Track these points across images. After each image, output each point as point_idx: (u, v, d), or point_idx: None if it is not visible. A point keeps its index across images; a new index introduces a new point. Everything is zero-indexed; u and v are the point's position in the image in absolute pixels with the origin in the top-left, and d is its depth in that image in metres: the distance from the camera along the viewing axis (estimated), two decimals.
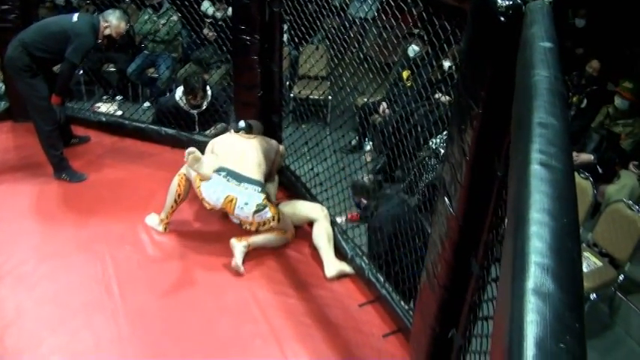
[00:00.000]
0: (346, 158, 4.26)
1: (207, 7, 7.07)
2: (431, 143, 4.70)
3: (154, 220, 4.04)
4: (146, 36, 6.87)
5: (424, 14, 3.13)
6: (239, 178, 3.68)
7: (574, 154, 4.85)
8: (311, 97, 6.02)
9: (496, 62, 1.99)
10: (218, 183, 3.66)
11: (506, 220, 1.95)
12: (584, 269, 4.20)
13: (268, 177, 4.11)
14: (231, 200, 3.64)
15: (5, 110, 5.45)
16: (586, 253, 4.42)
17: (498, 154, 2.08)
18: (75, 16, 4.34)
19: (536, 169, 1.04)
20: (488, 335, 2.21)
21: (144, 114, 5.76)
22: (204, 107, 5.29)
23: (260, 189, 3.71)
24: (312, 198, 4.26)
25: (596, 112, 5.98)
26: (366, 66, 4.54)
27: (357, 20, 6.45)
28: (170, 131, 5.25)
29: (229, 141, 4.02)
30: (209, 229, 4.10)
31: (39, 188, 4.42)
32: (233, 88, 4.92)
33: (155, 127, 5.33)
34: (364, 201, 3.92)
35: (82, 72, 6.56)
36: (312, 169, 4.43)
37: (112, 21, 4.41)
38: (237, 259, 3.64)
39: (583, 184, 4.69)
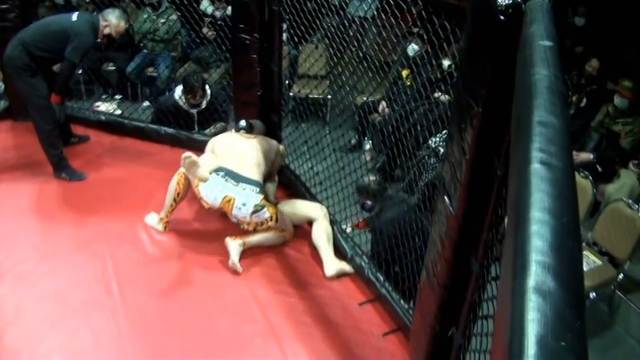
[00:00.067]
0: (346, 157, 4.26)
1: (206, 6, 7.07)
2: (430, 142, 4.70)
3: (153, 219, 4.04)
4: (145, 35, 6.87)
5: (423, 13, 3.13)
6: (237, 179, 3.68)
7: (574, 153, 4.85)
8: (310, 96, 6.02)
9: (496, 61, 1.99)
10: (216, 183, 3.66)
11: (506, 219, 1.96)
12: (584, 268, 4.20)
13: (268, 177, 4.11)
14: (229, 200, 3.64)
15: (5, 109, 5.45)
16: (586, 252, 4.42)
17: (498, 153, 2.08)
18: (74, 16, 4.34)
19: (536, 168, 1.04)
20: (488, 334, 2.22)
21: (143, 113, 5.75)
22: (203, 106, 5.29)
23: (258, 189, 3.71)
24: (312, 197, 4.26)
25: (596, 111, 5.98)
26: (365, 65, 4.54)
27: (356, 19, 6.45)
28: (169, 130, 5.25)
29: (229, 140, 4.02)
30: (208, 228, 4.10)
31: (38, 187, 4.42)
32: (232, 87, 4.92)
33: (154, 127, 5.32)
34: (369, 202, 3.89)
35: (81, 71, 6.55)
36: (311, 168, 4.43)
37: (112, 20, 4.41)
38: (234, 257, 3.64)
39: (583, 183, 4.69)
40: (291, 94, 6.74)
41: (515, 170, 1.14)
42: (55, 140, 4.49)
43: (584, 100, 6.13)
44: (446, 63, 5.40)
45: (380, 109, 6.10)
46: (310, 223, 3.99)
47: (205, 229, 4.10)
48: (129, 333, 3.13)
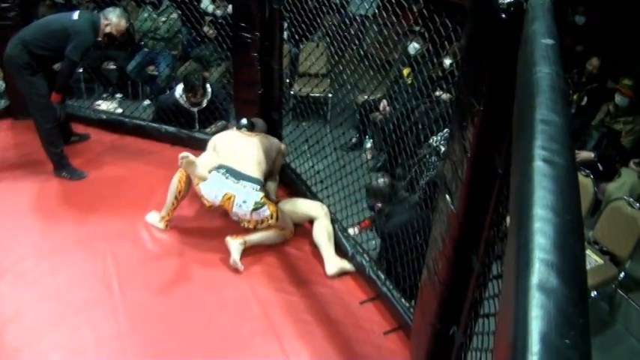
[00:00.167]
0: (346, 156, 4.25)
1: (207, 4, 7.07)
2: (431, 141, 4.69)
3: (154, 218, 4.04)
4: (146, 34, 6.87)
5: (424, 11, 3.13)
6: (238, 176, 3.68)
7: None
8: (311, 94, 6.02)
9: (497, 59, 1.99)
10: (216, 180, 3.67)
11: (507, 218, 1.96)
12: None
13: (269, 176, 4.11)
14: (230, 198, 3.64)
15: (5, 108, 5.45)
16: (587, 251, 4.41)
17: (499, 151, 2.07)
18: (75, 14, 4.34)
19: (539, 166, 1.04)
20: (490, 333, 2.21)
21: (144, 112, 5.75)
22: (204, 105, 5.29)
23: (259, 187, 3.71)
24: (313, 196, 4.26)
25: (597, 109, 5.99)
26: (366, 63, 4.54)
27: (357, 17, 6.44)
28: (170, 129, 5.25)
29: (230, 138, 4.02)
30: (209, 226, 4.10)
31: (39, 186, 4.42)
32: (233, 86, 4.92)
33: (155, 125, 5.32)
34: (379, 205, 3.84)
35: (81, 70, 6.56)
36: (312, 166, 4.43)
37: (113, 19, 4.41)
38: (234, 256, 3.64)
39: (584, 181, 4.69)
40: (291, 92, 6.74)
41: (518, 168, 1.14)
42: (55, 139, 4.49)
43: (585, 99, 6.14)
44: (447, 61, 5.40)
45: (381, 107, 6.10)
46: (311, 221, 3.99)
47: (206, 227, 4.09)
48: (129, 331, 3.13)
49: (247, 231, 3.82)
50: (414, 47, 5.98)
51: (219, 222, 4.12)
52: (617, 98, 5.64)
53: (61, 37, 4.21)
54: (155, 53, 6.90)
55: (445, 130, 4.47)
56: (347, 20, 6.18)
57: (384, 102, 6.08)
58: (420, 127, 4.47)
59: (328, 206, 4.06)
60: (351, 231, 4.05)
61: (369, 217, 4.14)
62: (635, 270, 4.57)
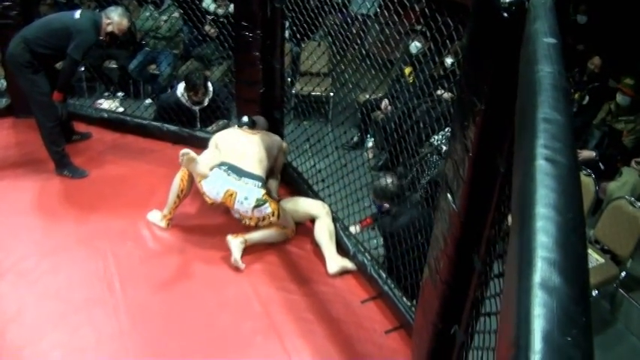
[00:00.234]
0: (348, 155, 4.26)
1: (208, 3, 7.06)
2: (433, 140, 4.69)
3: (156, 217, 4.04)
4: (147, 33, 6.87)
5: (426, 10, 3.13)
6: (240, 173, 3.69)
7: None
8: (313, 93, 6.02)
9: (499, 58, 1.98)
10: (218, 177, 3.67)
11: (508, 217, 1.96)
12: None
13: (270, 173, 4.11)
14: (231, 195, 3.64)
15: (7, 106, 5.45)
16: (588, 250, 4.42)
17: (500, 150, 2.07)
18: (77, 13, 4.35)
19: (541, 165, 1.04)
20: (491, 331, 2.21)
21: (145, 110, 5.75)
22: (205, 104, 5.29)
23: (260, 184, 3.71)
24: (314, 194, 4.26)
25: (598, 108, 5.99)
26: (368, 62, 4.54)
27: (359, 17, 6.44)
28: (172, 128, 5.25)
29: (232, 136, 4.03)
30: (211, 224, 4.10)
31: (40, 184, 4.43)
32: (234, 85, 4.92)
33: (157, 124, 5.32)
34: (386, 205, 3.82)
35: (83, 68, 6.57)
36: (313, 165, 4.43)
37: (114, 18, 4.41)
38: (235, 254, 3.65)
39: (585, 180, 4.69)
40: (293, 91, 6.74)
41: (520, 167, 1.14)
42: (57, 137, 4.50)
43: (587, 98, 6.13)
44: (448, 60, 5.40)
45: (382, 106, 6.10)
46: (312, 220, 3.99)
47: (207, 225, 4.10)
48: (130, 330, 3.14)
49: (248, 229, 3.82)
50: (415, 46, 5.98)
51: (220, 220, 4.12)
52: (619, 97, 5.63)
53: (62, 35, 4.22)
54: (157, 52, 6.90)
55: (446, 129, 4.48)
56: (348, 19, 6.18)
57: (386, 101, 6.08)
58: (421, 126, 4.47)
59: (329, 205, 4.07)
60: (352, 229, 4.05)
61: (371, 215, 4.13)
62: (636, 269, 4.57)
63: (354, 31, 6.00)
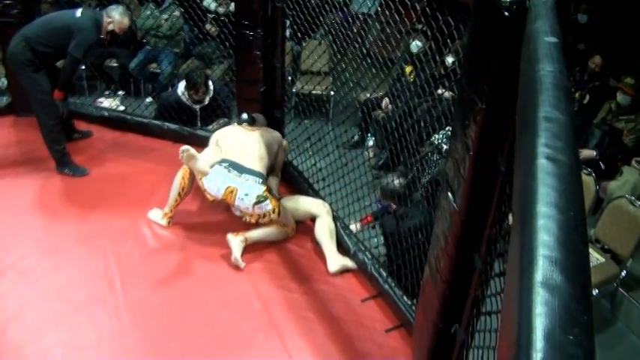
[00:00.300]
0: (349, 154, 4.26)
1: (209, 2, 7.06)
2: (433, 139, 4.69)
3: (156, 215, 4.04)
4: (148, 31, 6.87)
5: (427, 9, 3.13)
6: (240, 170, 3.70)
7: None
8: (313, 92, 6.02)
9: (500, 57, 1.99)
10: (219, 174, 3.68)
11: (509, 216, 1.96)
12: None
13: (271, 170, 4.12)
14: (232, 191, 3.65)
15: (7, 105, 5.46)
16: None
17: (501, 149, 2.07)
18: (78, 12, 4.35)
19: (542, 163, 1.04)
20: (491, 330, 2.21)
21: (146, 109, 5.75)
22: (206, 102, 5.29)
23: (261, 180, 3.72)
24: (315, 193, 4.26)
25: (599, 107, 5.98)
26: (368, 61, 4.54)
27: (359, 15, 6.44)
28: (172, 126, 5.25)
29: (232, 133, 4.03)
30: (211, 223, 4.10)
31: (41, 183, 4.43)
32: (235, 84, 4.93)
33: (157, 123, 5.33)
34: (393, 206, 3.81)
35: (84, 67, 6.57)
36: (314, 164, 4.43)
37: (115, 17, 4.42)
38: (236, 253, 3.65)
39: (585, 180, 4.69)
40: (294, 90, 6.74)
41: (521, 165, 1.14)
42: (57, 136, 4.50)
43: (587, 97, 6.13)
44: (449, 59, 5.40)
45: (383, 105, 6.10)
46: (313, 219, 3.99)
47: (208, 224, 4.10)
48: (131, 328, 3.14)
49: (249, 227, 3.82)
50: (416, 45, 5.97)
51: (220, 218, 4.12)
52: (619, 97, 5.63)
53: (63, 34, 4.22)
54: (157, 51, 6.90)
55: (447, 128, 4.48)
56: (349, 18, 6.18)
57: (386, 100, 6.08)
58: (422, 125, 4.47)
59: (330, 204, 4.07)
60: (352, 227, 4.05)
61: (372, 213, 4.13)
62: (636, 268, 4.57)
63: (355, 30, 6.00)
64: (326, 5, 4.21)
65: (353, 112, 5.87)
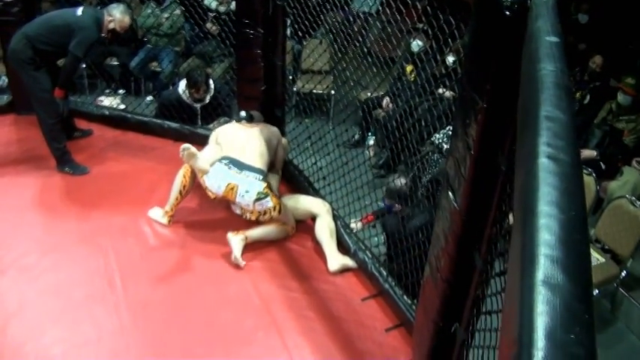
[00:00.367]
0: (349, 153, 4.26)
1: (210, 1, 7.06)
2: (434, 138, 4.69)
3: (157, 214, 4.04)
4: (149, 30, 6.87)
5: (428, 8, 3.13)
6: (241, 167, 3.70)
7: None
8: (314, 91, 6.02)
9: (501, 56, 1.99)
10: (220, 171, 3.69)
11: (510, 215, 1.96)
12: None
13: (271, 167, 4.11)
14: (233, 188, 3.65)
15: (8, 103, 5.46)
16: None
17: (502, 149, 2.07)
18: (79, 10, 4.35)
19: (543, 163, 1.04)
20: (492, 330, 2.21)
21: (146, 108, 5.75)
22: (206, 101, 5.29)
23: (261, 177, 3.72)
24: (315, 192, 4.26)
25: (599, 107, 5.98)
26: (369, 60, 4.54)
27: (360, 14, 6.44)
28: (173, 125, 5.25)
29: (232, 131, 4.04)
30: (212, 221, 4.10)
31: (42, 181, 4.43)
32: (236, 82, 4.93)
33: (158, 121, 5.33)
34: (397, 206, 3.80)
35: (84, 65, 6.57)
36: (315, 163, 4.43)
37: (116, 15, 4.41)
38: (236, 252, 3.65)
39: (586, 180, 4.68)
40: (294, 89, 6.74)
41: (522, 164, 1.14)
42: (58, 134, 4.51)
43: (588, 97, 6.13)
44: (450, 59, 5.40)
45: (384, 104, 6.10)
46: (313, 218, 3.99)
47: (208, 222, 4.10)
48: (131, 326, 3.14)
49: (249, 225, 3.82)
50: (417, 44, 5.98)
51: (221, 217, 4.12)
52: (620, 97, 5.63)
53: (64, 32, 4.22)
54: (158, 49, 6.90)
55: (448, 128, 4.47)
56: (350, 17, 6.18)
57: (387, 99, 6.08)
58: (422, 124, 4.47)
59: (330, 203, 4.07)
60: (353, 225, 4.05)
61: (373, 212, 4.13)
62: (636, 268, 4.57)
63: (356, 29, 6.00)
64: (327, 4, 4.20)
65: (353, 111, 5.88)
